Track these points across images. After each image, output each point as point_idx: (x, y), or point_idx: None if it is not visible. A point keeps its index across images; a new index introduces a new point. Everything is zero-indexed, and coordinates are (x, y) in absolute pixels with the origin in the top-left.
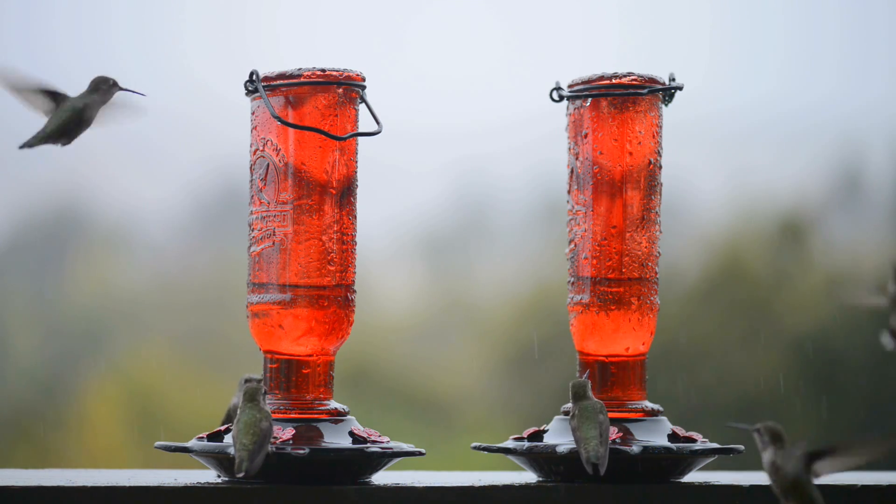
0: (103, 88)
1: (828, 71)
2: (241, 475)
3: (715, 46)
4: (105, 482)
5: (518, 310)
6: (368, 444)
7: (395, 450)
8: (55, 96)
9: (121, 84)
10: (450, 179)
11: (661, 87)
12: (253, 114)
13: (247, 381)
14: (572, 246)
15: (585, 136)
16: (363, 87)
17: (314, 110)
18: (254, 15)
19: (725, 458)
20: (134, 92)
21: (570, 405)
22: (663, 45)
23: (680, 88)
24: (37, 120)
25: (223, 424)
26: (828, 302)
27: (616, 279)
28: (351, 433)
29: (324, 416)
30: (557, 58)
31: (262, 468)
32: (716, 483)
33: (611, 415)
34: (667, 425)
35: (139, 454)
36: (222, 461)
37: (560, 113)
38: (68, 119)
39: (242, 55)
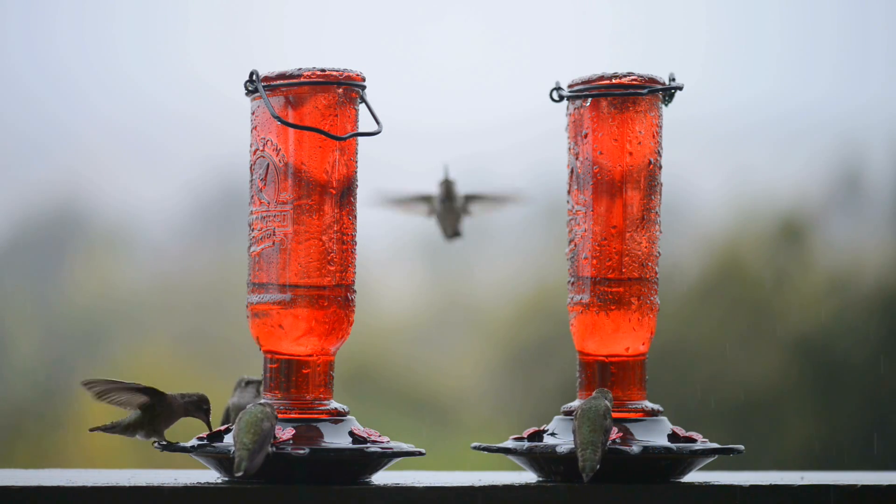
0: (196, 408)
1: (826, 70)
2: (239, 475)
3: (712, 45)
4: (105, 482)
5: (518, 310)
6: (368, 444)
7: (395, 450)
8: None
9: (209, 415)
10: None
11: (661, 87)
12: (253, 114)
13: (248, 382)
14: (572, 246)
15: (585, 136)
16: (363, 87)
17: (314, 110)
18: (256, 14)
19: (725, 458)
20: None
21: (571, 404)
22: (660, 43)
23: (680, 88)
24: None
25: (222, 424)
26: (828, 301)
27: (616, 279)
28: (351, 433)
29: (324, 416)
30: (556, 57)
31: (262, 468)
32: (716, 483)
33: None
34: (667, 425)
35: (139, 454)
36: (222, 461)
37: (560, 112)
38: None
39: (244, 54)
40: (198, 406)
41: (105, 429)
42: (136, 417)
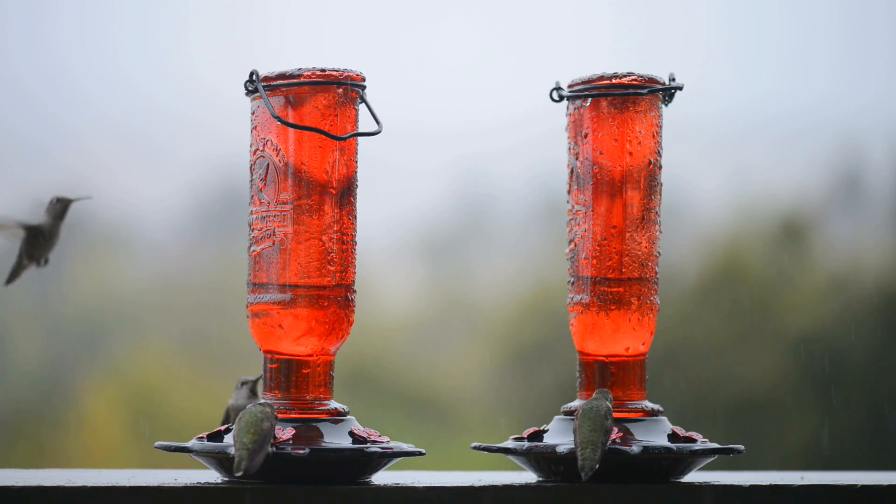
0: (49, 208)
1: (826, 70)
2: (239, 474)
3: (711, 45)
4: (105, 482)
5: (518, 310)
6: (368, 444)
7: (395, 450)
8: (30, 227)
9: (68, 196)
10: (449, 179)
11: (661, 87)
12: (253, 114)
13: (243, 383)
14: (572, 246)
15: (585, 136)
16: (363, 87)
17: (314, 110)
18: (256, 14)
19: (725, 458)
20: (80, 199)
21: (571, 404)
22: (660, 43)
23: (680, 88)
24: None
25: (222, 424)
26: (828, 301)
27: (616, 279)
28: (351, 433)
29: (324, 416)
30: (556, 57)
31: (262, 468)
32: (716, 483)
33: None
34: (667, 425)
35: (139, 454)
36: (222, 461)
37: (560, 112)
38: (29, 248)
39: (245, 54)
40: (52, 205)
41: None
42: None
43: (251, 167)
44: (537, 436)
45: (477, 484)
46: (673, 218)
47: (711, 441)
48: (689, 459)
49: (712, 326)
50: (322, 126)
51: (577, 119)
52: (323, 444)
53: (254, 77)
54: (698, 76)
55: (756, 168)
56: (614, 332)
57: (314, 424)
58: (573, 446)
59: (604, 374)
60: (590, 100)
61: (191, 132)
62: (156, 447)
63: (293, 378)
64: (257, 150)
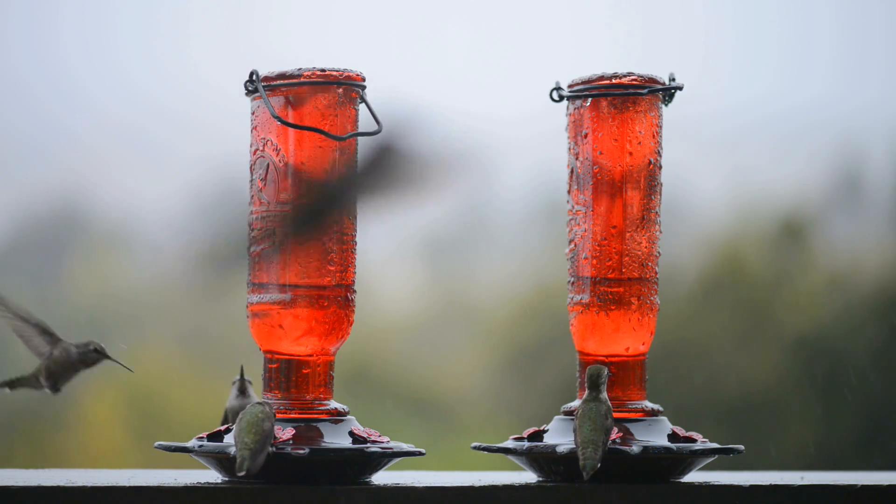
0: (89, 353)
1: (825, 69)
2: (242, 474)
3: (710, 45)
4: (105, 482)
5: (518, 310)
6: (368, 444)
7: (395, 450)
8: (50, 335)
9: (107, 353)
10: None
11: (661, 87)
12: (253, 114)
13: (233, 382)
14: (572, 246)
15: (585, 136)
16: (363, 87)
17: (314, 110)
18: (258, 13)
19: (725, 458)
20: (119, 364)
21: (571, 404)
22: (659, 42)
23: (680, 88)
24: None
25: (222, 425)
26: (828, 301)
27: (616, 279)
28: (351, 433)
29: (324, 416)
30: (556, 57)
31: (263, 468)
32: (716, 483)
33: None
34: (667, 425)
35: (139, 454)
36: (222, 461)
37: (560, 112)
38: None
39: (246, 54)
40: (87, 349)
41: (8, 384)
42: (37, 368)
43: (251, 167)
44: (537, 436)
45: (477, 484)
46: (673, 218)
47: (711, 441)
48: (689, 459)
49: (712, 326)
50: (322, 126)
51: (577, 119)
52: (323, 444)
53: (254, 77)
54: (698, 76)
55: (756, 168)
56: (614, 332)
57: (314, 424)
58: (573, 446)
59: None
60: (590, 100)
61: (191, 132)
62: (156, 447)
63: (293, 378)
64: (257, 150)
